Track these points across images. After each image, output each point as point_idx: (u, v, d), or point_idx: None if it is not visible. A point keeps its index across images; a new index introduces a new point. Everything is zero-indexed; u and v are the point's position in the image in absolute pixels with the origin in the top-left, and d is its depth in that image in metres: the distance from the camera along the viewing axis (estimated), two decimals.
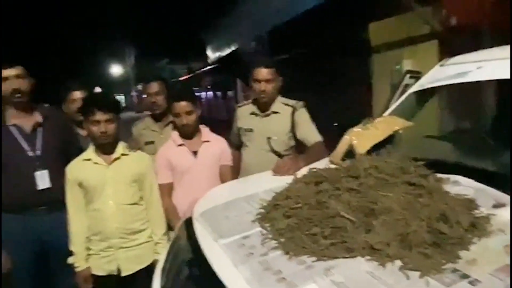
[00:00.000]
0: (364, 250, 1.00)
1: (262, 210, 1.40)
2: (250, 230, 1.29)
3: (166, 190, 2.23)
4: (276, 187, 1.55)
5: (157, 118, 2.56)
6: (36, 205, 2.06)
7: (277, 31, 6.62)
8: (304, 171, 1.63)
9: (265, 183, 1.70)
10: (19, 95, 2.01)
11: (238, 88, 9.71)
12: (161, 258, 1.71)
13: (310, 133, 2.30)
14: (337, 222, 1.10)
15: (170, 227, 2.21)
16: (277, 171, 1.87)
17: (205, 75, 12.29)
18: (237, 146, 2.52)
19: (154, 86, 2.51)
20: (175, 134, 2.28)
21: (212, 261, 1.17)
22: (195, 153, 2.25)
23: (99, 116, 1.96)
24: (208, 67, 12.09)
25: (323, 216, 1.14)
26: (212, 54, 10.60)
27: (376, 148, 1.69)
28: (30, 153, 2.05)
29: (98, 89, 2.72)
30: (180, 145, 2.25)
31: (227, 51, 9.36)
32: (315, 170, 1.48)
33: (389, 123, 1.75)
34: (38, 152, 2.07)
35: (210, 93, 14.16)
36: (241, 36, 8.65)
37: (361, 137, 1.69)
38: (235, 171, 2.40)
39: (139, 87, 20.72)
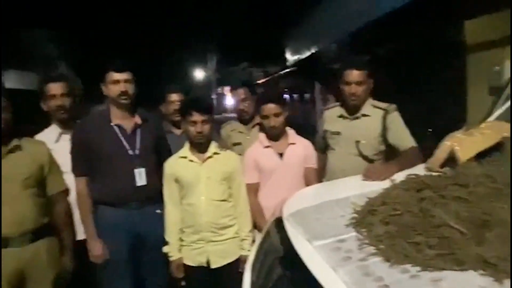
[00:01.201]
0: (477, 263, 0.93)
1: (356, 215, 1.37)
2: (345, 234, 1.27)
3: (253, 189, 2.30)
4: (368, 192, 1.51)
5: (244, 120, 2.65)
6: (133, 200, 2.19)
7: (361, 32, 6.42)
8: (400, 177, 1.56)
9: (356, 188, 1.66)
10: (125, 97, 2.17)
11: (316, 91, 9.64)
12: (251, 255, 1.76)
13: (404, 138, 2.20)
14: (444, 232, 1.03)
15: (255, 225, 2.27)
16: (368, 176, 1.81)
17: (282, 78, 12.40)
18: (322, 149, 2.50)
19: (241, 93, 2.60)
20: (262, 136, 2.34)
21: (307, 261, 1.17)
22: (281, 155, 2.29)
23: (196, 117, 2.09)
24: (285, 70, 12.17)
25: (428, 225, 1.08)
26: (291, 57, 10.63)
27: (480, 156, 1.56)
28: (130, 152, 2.19)
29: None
30: (267, 146, 2.31)
31: (307, 53, 9.31)
32: (414, 176, 1.41)
33: (496, 129, 1.61)
34: (137, 151, 2.21)
35: (287, 96, 14.22)
36: (322, 38, 8.55)
37: (464, 144, 1.57)
38: (320, 174, 2.38)
39: (219, 89, 21.64)
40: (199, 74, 27.99)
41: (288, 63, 10.99)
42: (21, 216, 1.94)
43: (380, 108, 2.27)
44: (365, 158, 2.27)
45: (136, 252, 2.24)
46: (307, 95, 11.49)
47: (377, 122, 2.25)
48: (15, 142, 2.00)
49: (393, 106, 2.27)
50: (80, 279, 2.29)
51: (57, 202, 2.16)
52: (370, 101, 2.32)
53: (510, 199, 1.30)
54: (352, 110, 2.33)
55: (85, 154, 2.18)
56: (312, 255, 1.19)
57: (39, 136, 2.35)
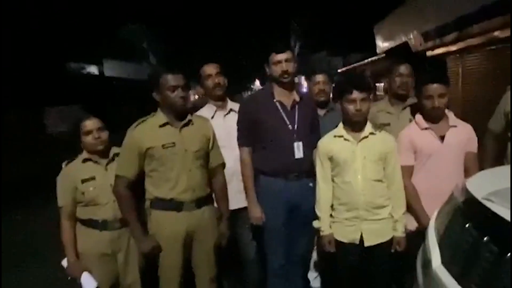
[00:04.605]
0: None
1: None
2: None
3: (408, 172, 2.24)
4: None
5: (394, 101, 2.60)
6: (291, 171, 2.32)
7: (475, 16, 5.90)
8: None
9: None
10: (286, 75, 2.28)
11: None
12: (431, 234, 1.73)
13: None
14: None
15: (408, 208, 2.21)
16: None
17: (369, 67, 11.94)
18: (496, 134, 2.33)
19: (406, 69, 2.55)
20: (420, 117, 2.26)
21: None
22: (441, 138, 2.20)
23: (356, 95, 2.08)
24: (370, 58, 11.69)
25: None
26: (381, 44, 10.17)
27: None
28: (290, 127, 2.31)
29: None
30: (426, 128, 2.22)
31: (398, 41, 8.84)
32: None
33: None
34: (295, 126, 2.32)
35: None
36: (417, 24, 8.04)
37: None
38: (487, 160, 2.22)
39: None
40: None
41: (378, 51, 10.52)
42: (194, 184, 2.12)
43: None
44: None
45: (290, 220, 2.36)
46: None
47: None
48: (188, 117, 2.18)
49: None
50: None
51: (217, 174, 2.32)
52: None
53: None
54: None
55: (250, 126, 2.34)
56: None
57: (198, 113, 2.52)
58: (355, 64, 13.82)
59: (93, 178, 2.11)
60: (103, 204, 2.11)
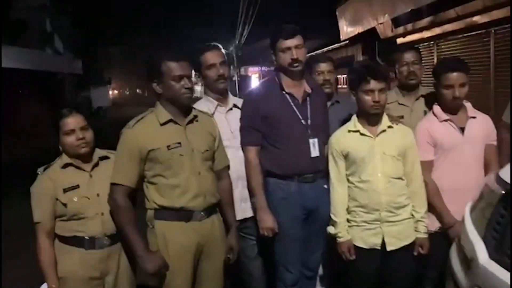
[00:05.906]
0: None
1: None
2: None
3: (428, 167, 2.44)
4: None
5: (404, 92, 2.80)
6: (307, 172, 2.42)
7: (446, 1, 6.44)
8: None
9: None
10: (296, 64, 2.38)
11: None
12: (470, 230, 1.96)
13: None
14: None
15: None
16: None
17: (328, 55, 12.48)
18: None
19: (412, 56, 2.75)
20: (438, 108, 2.48)
21: None
22: (461, 130, 2.42)
23: (374, 85, 2.23)
24: (332, 46, 12.25)
25: None
26: (346, 29, 10.67)
27: None
28: (303, 122, 2.42)
29: None
30: (445, 120, 2.44)
31: (367, 26, 9.36)
32: None
33: None
34: (309, 121, 2.43)
35: None
36: (391, 8, 8.55)
37: None
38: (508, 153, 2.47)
39: (242, 70, 21.77)
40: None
41: (342, 37, 11.04)
42: (205, 189, 2.16)
43: None
44: None
45: (304, 228, 2.47)
46: None
47: None
48: (194, 112, 2.21)
49: None
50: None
51: (223, 178, 2.37)
52: None
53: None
54: None
55: (257, 123, 2.41)
56: None
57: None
58: (313, 53, 14.40)
59: (76, 187, 2.07)
60: (89, 217, 2.07)
